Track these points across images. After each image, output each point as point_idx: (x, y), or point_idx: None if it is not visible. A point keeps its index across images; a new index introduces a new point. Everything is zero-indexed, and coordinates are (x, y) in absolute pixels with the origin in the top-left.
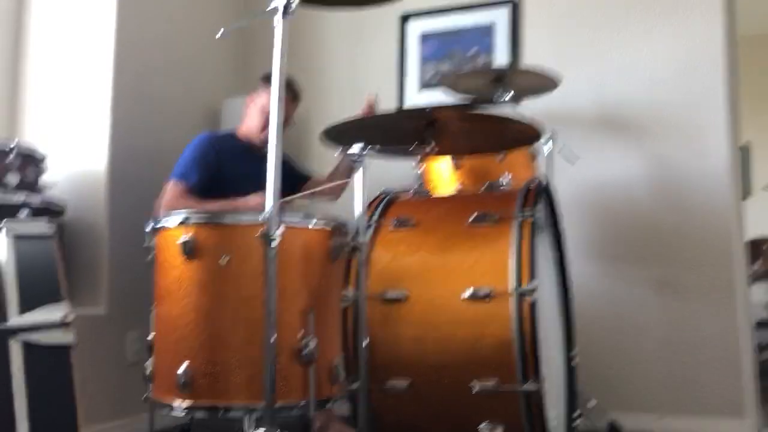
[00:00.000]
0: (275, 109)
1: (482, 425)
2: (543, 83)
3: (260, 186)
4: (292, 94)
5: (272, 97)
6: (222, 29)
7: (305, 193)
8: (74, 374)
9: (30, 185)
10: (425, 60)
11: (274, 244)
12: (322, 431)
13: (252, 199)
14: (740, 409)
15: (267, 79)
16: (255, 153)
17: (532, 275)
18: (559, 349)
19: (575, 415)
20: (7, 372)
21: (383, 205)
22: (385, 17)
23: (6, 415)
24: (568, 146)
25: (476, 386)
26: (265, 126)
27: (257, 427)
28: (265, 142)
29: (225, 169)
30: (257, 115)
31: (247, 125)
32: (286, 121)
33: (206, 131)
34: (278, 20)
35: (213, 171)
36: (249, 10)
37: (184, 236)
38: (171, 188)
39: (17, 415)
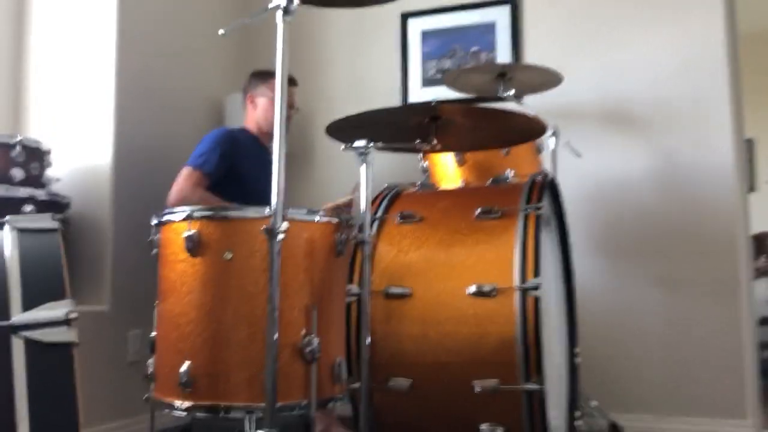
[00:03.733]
0: (279, 106)
1: (483, 426)
2: (545, 80)
3: (268, 180)
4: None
5: (276, 94)
6: (224, 27)
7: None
8: (76, 372)
9: (34, 180)
10: (427, 58)
11: (278, 238)
12: None
13: None
14: (742, 409)
15: (262, 75)
16: (262, 148)
17: (537, 271)
18: (561, 346)
19: (576, 414)
20: (9, 369)
21: (388, 199)
22: (386, 15)
23: (7, 412)
24: (571, 143)
25: (478, 386)
26: None
27: (258, 427)
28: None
29: (239, 162)
30: (271, 107)
31: (260, 118)
32: (291, 107)
33: (213, 128)
34: (280, 18)
35: (228, 163)
36: (251, 6)
37: (189, 231)
38: (187, 176)
39: (18, 413)
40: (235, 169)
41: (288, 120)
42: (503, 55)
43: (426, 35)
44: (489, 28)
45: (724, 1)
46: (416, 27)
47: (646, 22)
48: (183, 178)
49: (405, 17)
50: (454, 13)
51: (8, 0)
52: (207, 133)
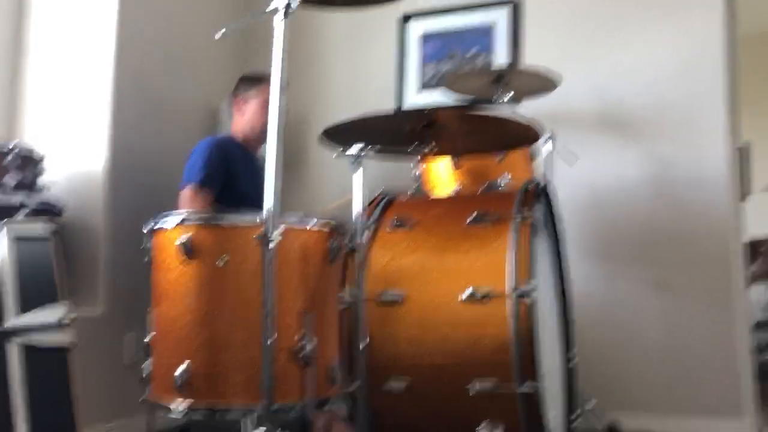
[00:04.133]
0: (275, 109)
1: (481, 426)
2: (542, 84)
3: (260, 186)
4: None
5: (272, 97)
6: (222, 29)
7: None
8: (73, 375)
9: (28, 186)
10: (425, 60)
11: (272, 245)
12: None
13: None
14: (739, 409)
15: (252, 79)
16: (250, 154)
17: (530, 276)
18: (557, 349)
19: (574, 415)
20: (5, 373)
21: (382, 205)
22: (385, 18)
23: (4, 417)
24: (567, 148)
25: (474, 387)
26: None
27: (255, 428)
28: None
29: (232, 170)
30: (262, 111)
31: (249, 123)
32: None
33: (208, 135)
34: (278, 20)
35: (224, 173)
36: (249, 9)
37: (182, 237)
38: (193, 196)
39: (16, 418)
40: (229, 177)
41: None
42: (502, 58)
43: (425, 38)
44: (488, 31)
45: (724, 3)
46: (416, 29)
47: (644, 27)
48: (190, 200)
49: (405, 19)
50: (455, 15)
51: (6, 4)
52: (202, 138)
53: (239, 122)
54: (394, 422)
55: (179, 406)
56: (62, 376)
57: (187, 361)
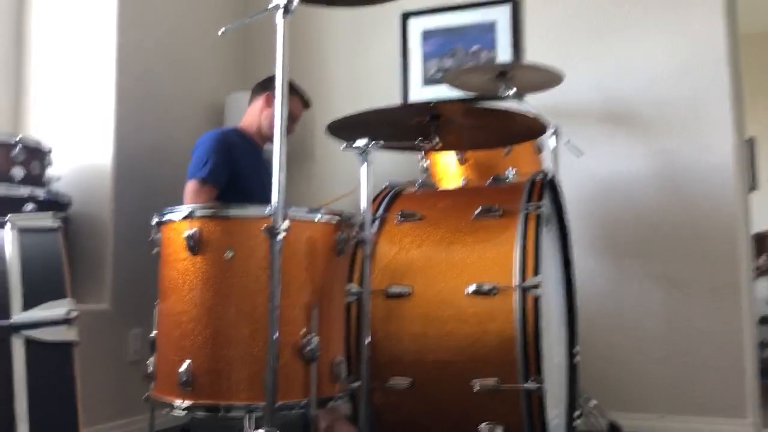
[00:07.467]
0: (279, 106)
1: (482, 425)
2: (546, 79)
3: (265, 179)
4: (304, 102)
5: (276, 95)
6: (224, 26)
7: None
8: (76, 371)
9: (35, 179)
10: (428, 57)
11: (279, 237)
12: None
13: None
14: (742, 408)
15: (291, 85)
16: (256, 148)
17: (537, 270)
18: (561, 346)
19: (576, 414)
20: (9, 368)
21: (388, 198)
22: (386, 15)
23: (7, 412)
24: (572, 142)
25: (477, 385)
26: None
27: (258, 426)
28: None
29: (236, 165)
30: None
31: (266, 119)
32: (294, 121)
33: (212, 129)
34: (280, 18)
35: (229, 168)
36: (251, 7)
37: (189, 230)
38: (197, 191)
39: (18, 413)
40: (233, 170)
41: (289, 132)
42: (504, 54)
43: (427, 35)
44: (490, 28)
45: (725, 1)
46: (417, 26)
47: (646, 22)
48: (194, 194)
49: (405, 16)
50: (455, 13)
51: (8, 0)
52: (206, 132)
53: (257, 115)
54: (396, 420)
55: (182, 404)
56: (66, 372)
57: (190, 358)
